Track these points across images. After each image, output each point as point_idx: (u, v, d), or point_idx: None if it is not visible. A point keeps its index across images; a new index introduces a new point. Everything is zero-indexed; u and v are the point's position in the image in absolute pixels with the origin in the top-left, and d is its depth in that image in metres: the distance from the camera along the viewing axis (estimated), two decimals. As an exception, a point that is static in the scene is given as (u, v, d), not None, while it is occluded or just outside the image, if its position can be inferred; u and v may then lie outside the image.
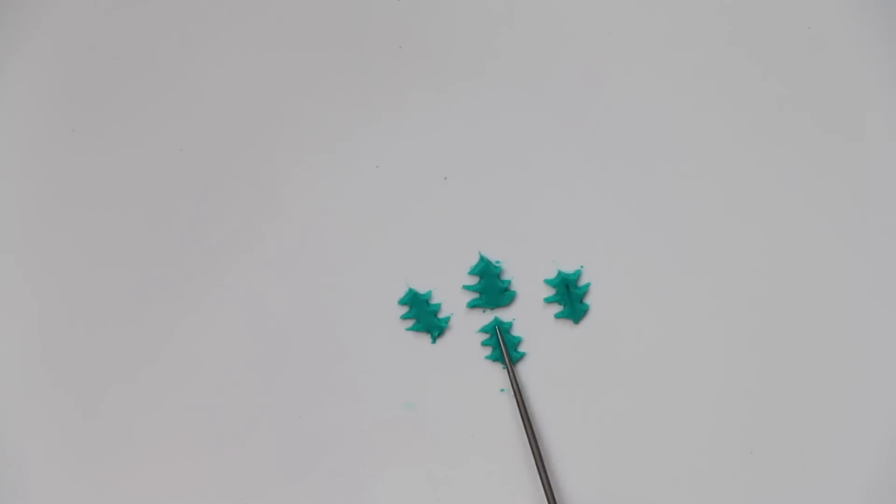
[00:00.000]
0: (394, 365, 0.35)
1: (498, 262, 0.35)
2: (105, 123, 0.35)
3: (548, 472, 0.33)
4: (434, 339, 0.35)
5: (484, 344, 0.35)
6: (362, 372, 0.35)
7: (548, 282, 0.35)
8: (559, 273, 0.34)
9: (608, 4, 0.34)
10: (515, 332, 0.35)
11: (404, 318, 0.35)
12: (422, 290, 0.35)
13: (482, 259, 0.35)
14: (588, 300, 0.35)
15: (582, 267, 0.35)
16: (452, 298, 0.35)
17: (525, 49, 0.34)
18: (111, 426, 0.35)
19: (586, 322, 0.35)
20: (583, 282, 0.35)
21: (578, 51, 0.34)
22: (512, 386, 0.34)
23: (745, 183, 0.34)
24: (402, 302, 0.35)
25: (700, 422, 0.34)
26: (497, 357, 0.35)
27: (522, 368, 0.35)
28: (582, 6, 0.34)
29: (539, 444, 0.34)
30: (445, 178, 0.35)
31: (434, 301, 0.35)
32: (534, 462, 0.33)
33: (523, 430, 0.34)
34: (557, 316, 0.35)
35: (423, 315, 0.35)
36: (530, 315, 0.35)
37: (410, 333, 0.35)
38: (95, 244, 0.35)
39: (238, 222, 0.35)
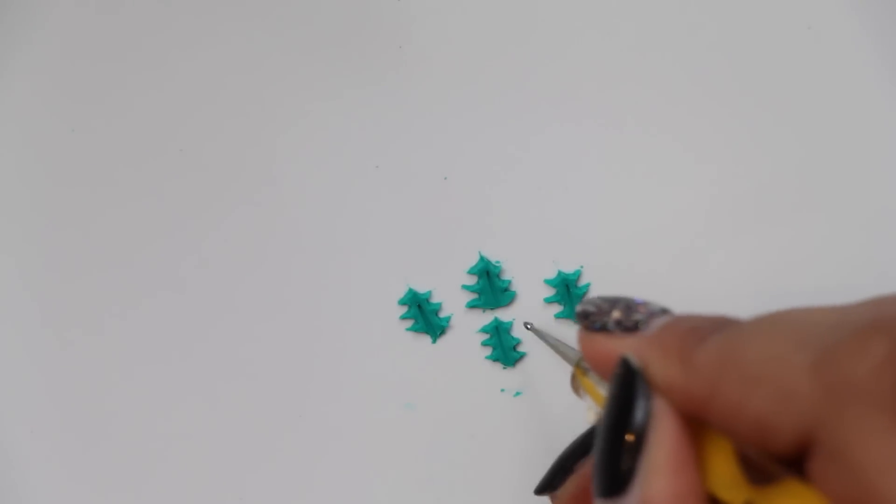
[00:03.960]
0: (394, 365, 0.35)
1: (498, 262, 0.35)
2: (105, 123, 0.35)
3: None
4: (434, 339, 0.35)
5: (484, 344, 0.35)
6: (362, 372, 0.35)
7: (548, 282, 0.35)
8: (559, 273, 0.34)
9: (608, 6, 0.34)
10: (515, 332, 0.35)
11: (404, 318, 0.35)
12: (422, 290, 0.35)
13: (482, 259, 0.35)
14: (588, 300, 0.35)
15: (582, 267, 0.35)
16: (452, 298, 0.35)
17: (525, 49, 0.34)
18: (111, 426, 0.36)
19: (586, 322, 0.35)
20: (583, 282, 0.35)
21: (578, 51, 0.34)
22: None
23: (745, 184, 0.34)
24: (402, 302, 0.35)
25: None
26: (497, 357, 0.35)
27: (522, 368, 0.35)
28: (582, 7, 0.34)
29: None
30: (445, 178, 0.35)
31: (434, 301, 0.35)
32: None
33: (523, 430, 0.34)
34: (557, 316, 0.35)
35: (423, 315, 0.35)
36: (530, 315, 0.35)
37: (410, 333, 0.35)
38: (95, 244, 0.35)
39: (238, 222, 0.35)
